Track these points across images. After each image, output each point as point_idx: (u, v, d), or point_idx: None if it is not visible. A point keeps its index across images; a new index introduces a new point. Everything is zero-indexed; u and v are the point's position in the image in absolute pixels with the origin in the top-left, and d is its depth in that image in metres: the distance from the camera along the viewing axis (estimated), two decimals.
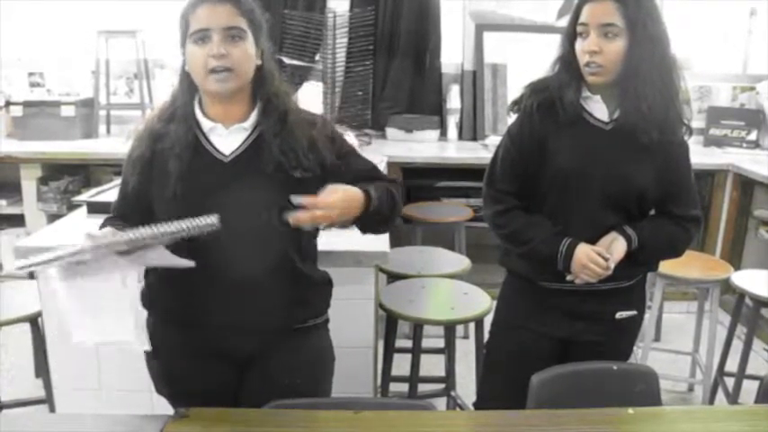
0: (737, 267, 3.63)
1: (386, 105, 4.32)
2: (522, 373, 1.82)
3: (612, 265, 1.69)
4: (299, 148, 1.54)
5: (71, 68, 4.35)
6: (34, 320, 2.37)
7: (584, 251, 1.70)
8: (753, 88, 4.44)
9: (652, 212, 1.83)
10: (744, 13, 4.45)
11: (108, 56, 4.18)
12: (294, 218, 1.43)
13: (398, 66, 4.29)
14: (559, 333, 1.84)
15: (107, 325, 1.37)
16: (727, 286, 2.99)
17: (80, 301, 1.36)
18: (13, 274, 3.97)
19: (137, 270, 1.39)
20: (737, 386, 2.79)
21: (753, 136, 4.34)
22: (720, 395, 2.96)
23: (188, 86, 1.56)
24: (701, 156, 4.12)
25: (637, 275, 1.85)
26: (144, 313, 1.42)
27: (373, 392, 2.26)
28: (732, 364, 2.88)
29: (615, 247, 1.71)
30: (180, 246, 1.53)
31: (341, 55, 4.26)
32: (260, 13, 1.55)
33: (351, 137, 3.86)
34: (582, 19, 1.65)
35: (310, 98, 4.15)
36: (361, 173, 1.64)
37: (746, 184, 3.92)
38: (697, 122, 4.48)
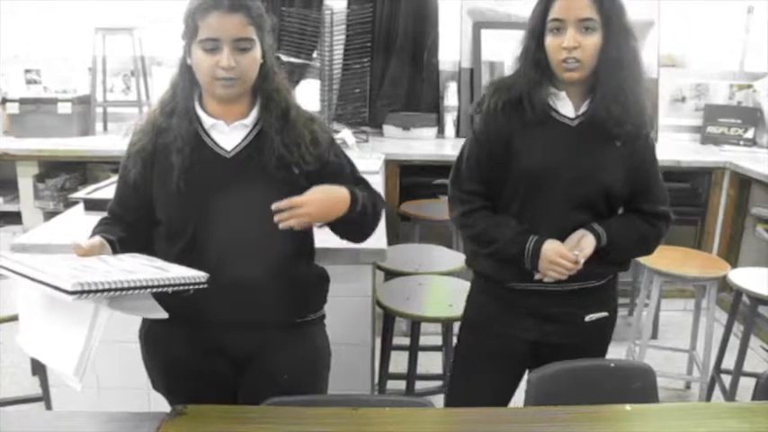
0: (735, 265, 3.64)
1: (383, 103, 4.32)
2: (491, 376, 1.82)
3: (582, 260, 1.66)
4: (301, 142, 1.55)
5: (68, 65, 4.35)
6: None
7: (551, 247, 1.66)
8: (750, 86, 4.45)
9: (621, 211, 1.80)
10: (741, 11, 4.45)
11: (105, 53, 4.17)
12: (278, 218, 1.45)
13: (396, 63, 4.29)
14: (529, 335, 1.79)
15: (52, 345, 1.30)
16: (724, 284, 3.00)
17: (38, 306, 1.30)
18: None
19: (110, 310, 1.27)
20: (734, 383, 2.80)
21: (750, 134, 4.35)
22: (717, 392, 2.97)
23: (189, 80, 1.55)
24: (698, 153, 4.14)
25: (607, 275, 1.81)
26: (94, 350, 1.28)
27: (371, 390, 2.26)
28: (729, 362, 2.89)
29: (583, 243, 1.68)
30: (179, 242, 1.54)
31: (338, 52, 4.26)
32: (266, 16, 1.55)
33: (348, 134, 3.87)
34: (556, 14, 1.61)
35: (308, 96, 4.16)
36: (352, 183, 1.64)
37: (744, 182, 3.93)
38: (694, 120, 4.51)
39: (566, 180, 1.67)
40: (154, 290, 1.30)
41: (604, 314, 1.81)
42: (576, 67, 1.61)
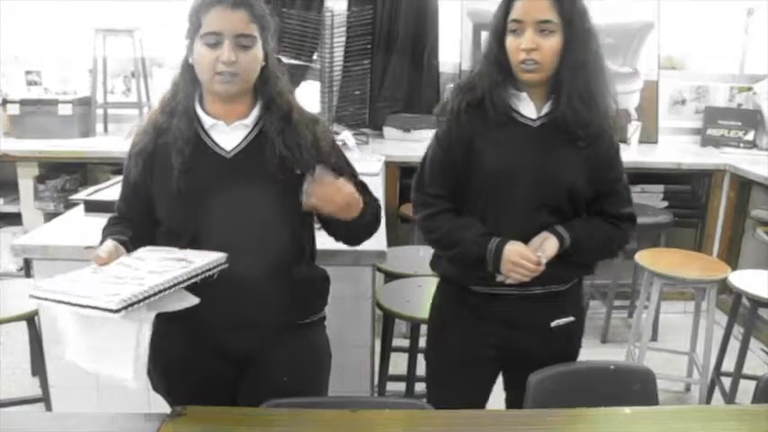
0: (734, 267, 3.65)
1: (383, 104, 4.33)
2: (462, 384, 1.80)
3: (544, 261, 1.62)
4: (302, 144, 1.56)
5: (68, 67, 4.35)
6: (31, 319, 2.37)
7: (513, 249, 1.63)
8: (750, 88, 4.45)
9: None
10: (741, 13, 4.45)
11: (105, 54, 4.18)
12: (307, 203, 1.50)
13: (396, 65, 4.30)
14: (496, 342, 1.77)
15: (105, 356, 1.33)
16: (724, 286, 3.00)
17: (79, 322, 1.32)
18: (10, 272, 3.97)
19: (152, 312, 1.34)
20: (734, 386, 2.80)
21: (750, 136, 4.35)
22: (717, 395, 2.97)
23: (190, 79, 1.56)
24: (698, 156, 4.14)
25: (572, 279, 1.79)
26: (145, 353, 1.34)
27: (370, 391, 2.26)
28: (729, 364, 2.89)
29: (546, 245, 1.66)
30: (180, 242, 1.54)
31: (339, 54, 4.26)
32: (270, 17, 1.56)
33: (348, 136, 3.87)
34: (515, 15, 1.60)
35: (308, 97, 4.16)
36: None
37: (744, 185, 3.93)
38: (694, 122, 4.51)
39: (527, 181, 1.66)
40: (185, 284, 1.36)
41: (570, 319, 1.79)
42: (535, 68, 1.60)
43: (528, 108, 1.67)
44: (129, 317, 1.25)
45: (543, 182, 1.66)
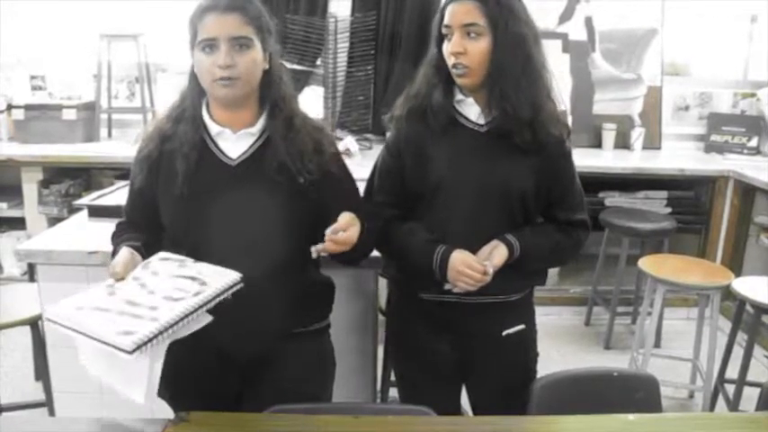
0: (738, 274, 3.63)
1: (387, 110, 4.31)
2: (430, 393, 1.77)
3: (491, 271, 1.60)
4: (305, 151, 1.55)
5: (73, 72, 4.36)
6: (34, 323, 2.37)
7: (458, 258, 1.61)
8: (754, 95, 4.45)
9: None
10: (744, 19, 4.45)
11: (110, 59, 4.19)
12: (318, 249, 1.46)
13: (400, 70, 4.29)
14: (452, 353, 1.77)
15: (118, 375, 1.34)
16: (727, 293, 2.98)
17: (95, 346, 1.31)
18: (14, 276, 3.98)
19: (166, 347, 1.34)
20: (738, 393, 2.79)
21: (754, 142, 4.35)
22: (721, 402, 2.95)
23: (197, 87, 1.56)
24: (701, 162, 4.13)
25: (524, 289, 1.79)
26: (158, 378, 1.35)
27: (372, 397, 2.26)
28: (733, 371, 2.87)
29: (494, 253, 1.63)
30: (182, 247, 1.54)
31: (342, 59, 4.27)
32: (267, 18, 1.55)
33: (352, 141, 3.88)
34: (445, 21, 1.60)
35: (311, 103, 4.16)
36: (348, 201, 1.63)
37: (747, 191, 3.92)
38: (698, 129, 4.50)
39: (475, 187, 1.64)
40: (201, 309, 1.35)
41: (521, 327, 1.78)
42: (465, 72, 1.59)
43: (474, 113, 1.66)
44: (143, 353, 1.26)
45: (491, 189, 1.65)
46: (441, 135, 1.66)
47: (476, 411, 1.85)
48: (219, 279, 1.41)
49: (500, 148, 1.63)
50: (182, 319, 1.32)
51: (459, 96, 1.67)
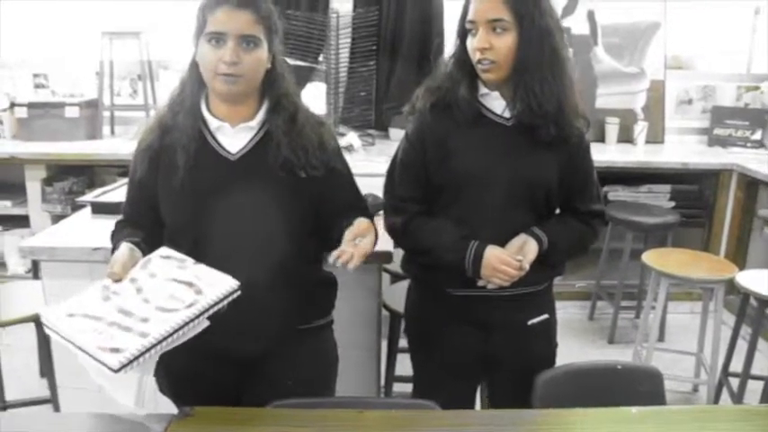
0: (742, 267, 3.63)
1: (389, 106, 4.32)
2: (447, 391, 1.76)
3: (527, 266, 1.61)
4: (309, 146, 1.55)
5: (75, 70, 4.37)
6: (39, 320, 2.37)
7: (494, 254, 1.61)
8: (757, 88, 4.43)
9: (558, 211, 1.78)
10: (748, 12, 4.44)
11: (112, 57, 4.19)
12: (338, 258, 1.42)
13: (402, 66, 4.29)
14: (476, 344, 1.76)
15: (110, 381, 1.31)
16: (731, 286, 2.98)
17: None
18: (18, 274, 3.99)
19: (156, 359, 1.33)
20: (742, 386, 2.79)
21: (757, 135, 4.33)
22: (725, 395, 2.95)
23: (197, 78, 1.55)
24: (705, 156, 4.12)
25: (548, 280, 1.79)
26: (150, 384, 1.35)
27: (376, 392, 2.26)
28: (737, 365, 2.87)
29: (527, 248, 1.64)
30: (182, 242, 1.53)
31: (344, 55, 4.27)
32: (276, 18, 1.54)
33: (354, 137, 3.88)
34: (470, 16, 1.60)
35: (314, 99, 4.16)
36: (348, 200, 1.63)
37: (751, 184, 3.91)
38: (701, 122, 4.49)
39: (503, 181, 1.64)
40: (197, 319, 1.33)
41: (545, 316, 1.79)
42: (491, 67, 1.59)
43: (500, 107, 1.66)
44: (131, 369, 1.25)
45: (518, 183, 1.65)
46: (467, 128, 1.65)
47: (496, 405, 1.85)
48: (216, 287, 1.38)
49: (526, 141, 1.64)
50: (171, 334, 1.30)
51: (483, 90, 1.66)
